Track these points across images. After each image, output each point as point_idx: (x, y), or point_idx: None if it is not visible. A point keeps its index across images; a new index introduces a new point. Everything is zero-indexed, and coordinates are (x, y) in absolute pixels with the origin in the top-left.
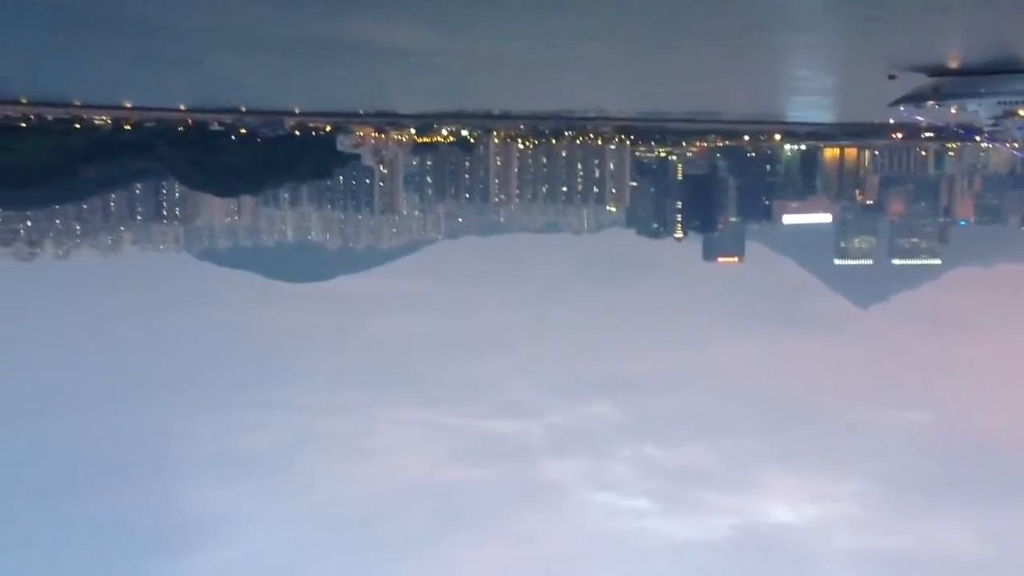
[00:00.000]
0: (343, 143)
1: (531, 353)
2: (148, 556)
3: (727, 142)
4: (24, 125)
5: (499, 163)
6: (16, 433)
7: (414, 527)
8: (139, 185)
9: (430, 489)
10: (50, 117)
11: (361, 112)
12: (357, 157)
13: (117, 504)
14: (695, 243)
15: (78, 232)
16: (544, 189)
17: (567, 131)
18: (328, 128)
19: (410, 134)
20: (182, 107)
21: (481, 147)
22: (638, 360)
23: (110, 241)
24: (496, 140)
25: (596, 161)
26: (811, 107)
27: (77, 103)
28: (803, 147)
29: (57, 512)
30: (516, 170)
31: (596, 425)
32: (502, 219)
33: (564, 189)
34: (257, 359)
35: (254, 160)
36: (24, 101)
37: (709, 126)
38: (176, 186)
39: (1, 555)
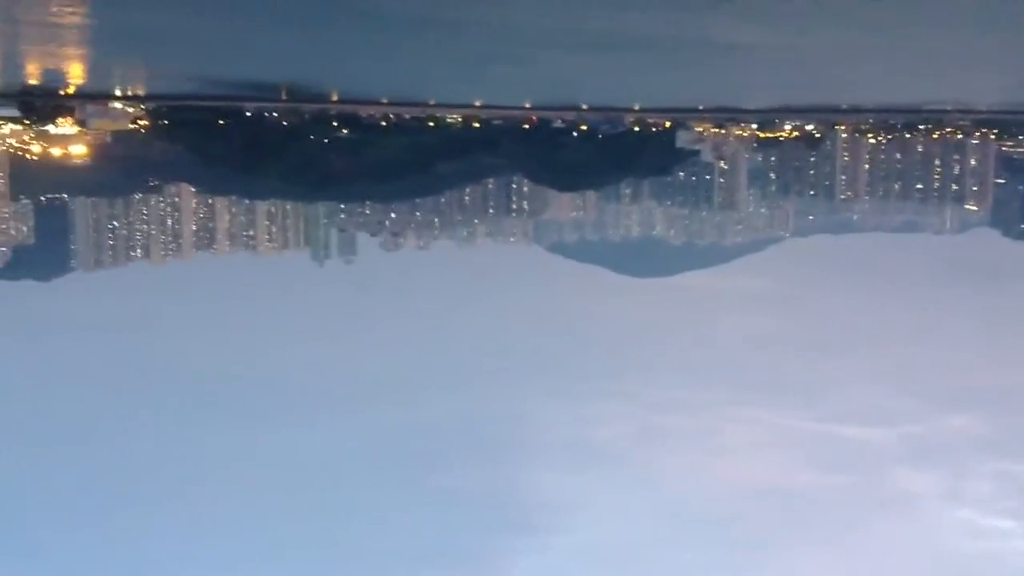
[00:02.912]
0: (682, 139)
1: (885, 358)
2: (495, 533)
3: None
4: (385, 124)
5: (847, 159)
6: (390, 408)
7: (759, 529)
8: (491, 180)
9: (776, 492)
10: (407, 116)
11: (701, 108)
12: (696, 153)
13: (468, 480)
14: None
15: (436, 224)
16: (897, 186)
17: (920, 125)
18: (667, 124)
19: (751, 129)
20: (527, 105)
21: (827, 142)
22: (1004, 372)
23: (465, 233)
24: (843, 135)
25: (956, 156)
26: None
27: (431, 102)
28: None
29: (417, 484)
30: (866, 166)
31: (956, 438)
32: (855, 217)
33: (919, 187)
34: (604, 351)
35: (595, 156)
36: (385, 101)
37: None
38: (524, 181)
39: (362, 518)
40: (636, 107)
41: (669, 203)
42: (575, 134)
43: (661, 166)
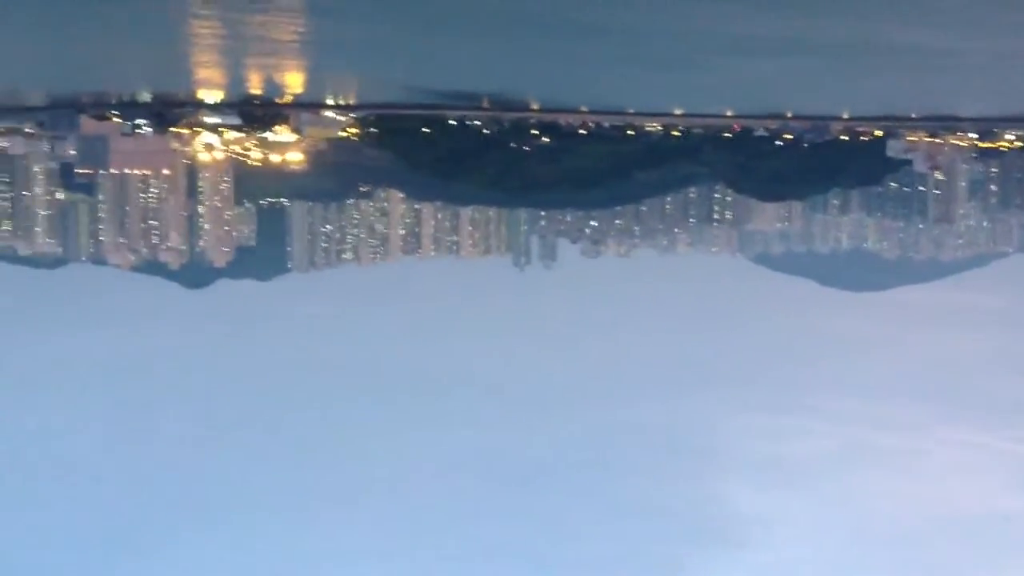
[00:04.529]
0: (893, 148)
1: None
2: (684, 544)
3: None
4: (584, 132)
5: None
6: (586, 414)
7: (959, 556)
8: (692, 189)
9: (982, 518)
10: (607, 124)
11: (913, 116)
12: (908, 163)
13: (661, 491)
14: None
15: (636, 232)
16: None
17: None
18: (877, 132)
19: (970, 139)
20: (728, 113)
21: None
22: None
23: (666, 242)
24: None
25: None
26: None
27: (631, 111)
28: None
29: (610, 493)
30: None
31: None
32: None
33: None
34: (809, 366)
35: (799, 165)
36: (584, 110)
37: None
38: (728, 190)
39: (555, 526)
40: (844, 115)
41: (880, 215)
42: (778, 143)
43: (870, 176)
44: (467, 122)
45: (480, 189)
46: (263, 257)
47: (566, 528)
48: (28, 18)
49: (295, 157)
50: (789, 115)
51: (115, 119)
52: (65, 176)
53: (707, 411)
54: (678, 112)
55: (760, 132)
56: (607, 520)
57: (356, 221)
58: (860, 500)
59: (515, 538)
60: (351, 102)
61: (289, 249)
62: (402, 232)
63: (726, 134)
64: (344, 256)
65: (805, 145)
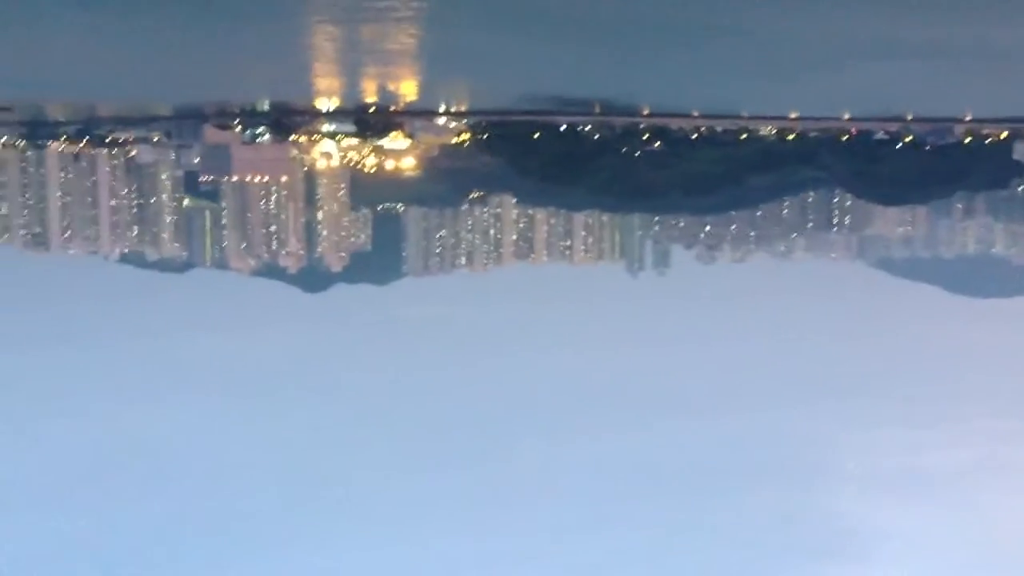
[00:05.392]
0: (1020, 150)
1: None
2: (806, 557)
3: None
4: (695, 136)
5: None
6: (701, 420)
7: None
8: (810, 193)
9: None
10: (719, 129)
11: None
12: None
13: (781, 503)
14: None
15: (752, 238)
16: None
17: None
18: (1003, 134)
19: None
20: (845, 116)
21: None
22: None
23: (783, 248)
24: None
25: None
26: None
27: (744, 115)
28: None
29: (736, 501)
30: None
31: None
32: None
33: None
34: (934, 375)
35: (921, 169)
36: (696, 114)
37: None
38: (847, 195)
39: (673, 534)
40: (967, 117)
41: (1008, 219)
42: (898, 146)
43: (997, 179)
44: (578, 128)
45: (591, 195)
46: (379, 262)
47: (690, 538)
48: (155, 32)
49: (409, 163)
50: (909, 117)
51: (236, 128)
52: (190, 183)
53: (828, 423)
54: (793, 116)
55: (879, 135)
56: (730, 531)
57: (469, 226)
58: (989, 517)
59: (639, 547)
60: (463, 109)
61: (404, 254)
62: (514, 237)
63: (843, 137)
64: (458, 261)
65: (927, 148)
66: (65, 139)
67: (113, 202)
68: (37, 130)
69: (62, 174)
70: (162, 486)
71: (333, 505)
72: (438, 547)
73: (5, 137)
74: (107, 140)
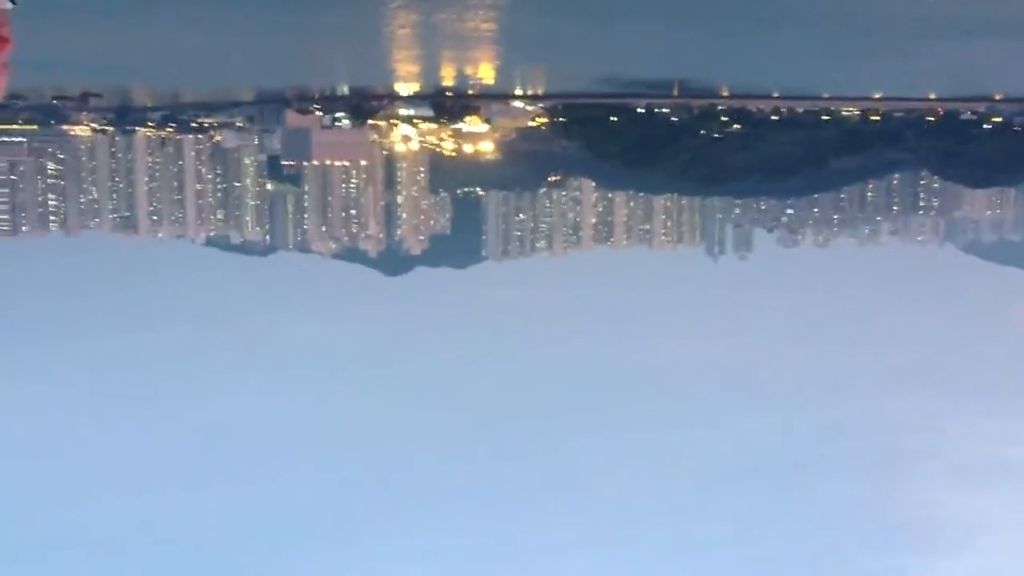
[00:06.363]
0: None
1: None
2: (891, 549)
3: None
4: (776, 118)
5: None
6: (787, 412)
7: None
8: (895, 175)
9: None
10: (800, 110)
11: None
12: None
13: (861, 492)
14: None
15: (835, 221)
16: None
17: None
18: None
19: None
20: (931, 96)
21: None
22: None
23: (868, 231)
24: None
25: None
26: None
27: (825, 96)
28: None
29: (824, 492)
30: None
31: None
32: None
33: None
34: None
35: (1011, 149)
36: (776, 95)
37: None
38: (933, 176)
39: (761, 524)
40: None
41: None
42: (986, 126)
43: None
44: (655, 110)
45: (670, 178)
46: (458, 245)
47: (776, 528)
48: (237, 19)
49: (487, 147)
50: (997, 97)
51: (317, 113)
52: (272, 168)
53: (920, 410)
54: (877, 96)
55: (966, 115)
56: (818, 521)
57: (548, 209)
58: None
59: (725, 537)
60: (540, 92)
61: (484, 238)
62: (594, 221)
63: (929, 118)
64: (538, 244)
65: (1015, 128)
66: (152, 125)
67: (198, 186)
68: (125, 116)
69: (149, 159)
70: (254, 464)
71: (414, 486)
72: (518, 532)
73: (95, 123)
74: (192, 125)
